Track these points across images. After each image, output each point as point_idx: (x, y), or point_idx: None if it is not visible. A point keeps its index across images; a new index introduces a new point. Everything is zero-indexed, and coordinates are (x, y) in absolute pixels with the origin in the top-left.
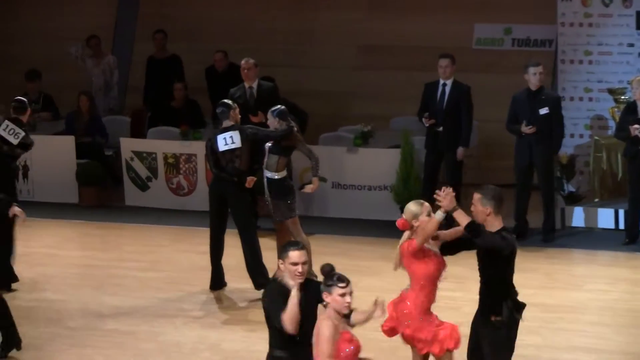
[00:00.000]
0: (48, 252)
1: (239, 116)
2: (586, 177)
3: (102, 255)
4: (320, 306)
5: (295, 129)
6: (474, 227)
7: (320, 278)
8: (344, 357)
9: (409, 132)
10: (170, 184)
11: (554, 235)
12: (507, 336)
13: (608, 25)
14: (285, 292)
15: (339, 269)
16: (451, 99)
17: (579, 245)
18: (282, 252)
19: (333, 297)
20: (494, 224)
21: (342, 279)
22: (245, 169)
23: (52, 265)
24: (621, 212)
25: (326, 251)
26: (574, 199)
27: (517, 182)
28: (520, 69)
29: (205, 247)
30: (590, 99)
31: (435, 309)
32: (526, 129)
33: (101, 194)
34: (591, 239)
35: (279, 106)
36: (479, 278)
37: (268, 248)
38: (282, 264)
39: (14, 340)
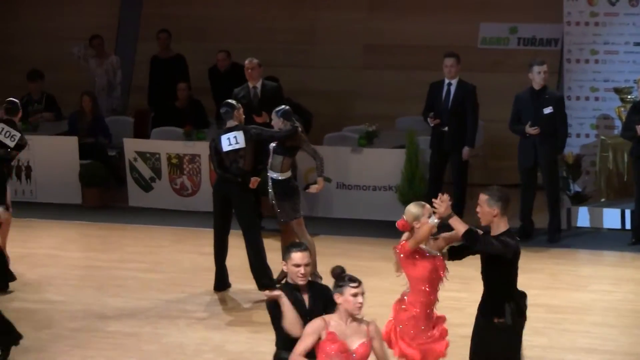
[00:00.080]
0: (50, 253)
1: (243, 116)
2: (592, 177)
3: (104, 257)
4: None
5: (300, 129)
6: (471, 236)
7: (325, 279)
8: (327, 354)
9: (414, 132)
10: (174, 184)
11: (560, 236)
12: (511, 338)
13: (614, 24)
14: (291, 291)
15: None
16: (456, 98)
17: (584, 245)
18: (285, 254)
19: (345, 298)
20: (499, 226)
21: (354, 279)
22: (249, 170)
23: (54, 266)
24: (627, 212)
25: (331, 252)
26: (580, 199)
27: (521, 182)
28: (526, 69)
29: (209, 248)
30: (597, 99)
31: (440, 309)
32: (531, 129)
33: (104, 194)
34: (597, 239)
35: (283, 106)
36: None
37: (272, 249)
38: (285, 265)
39: (12, 338)
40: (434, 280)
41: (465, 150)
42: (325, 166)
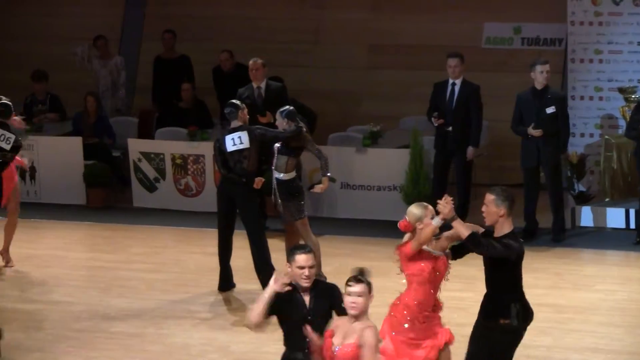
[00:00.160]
0: (55, 254)
1: (248, 116)
2: (597, 176)
3: (109, 257)
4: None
5: (304, 129)
6: (475, 239)
7: (330, 279)
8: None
9: (419, 132)
10: (178, 185)
11: (565, 235)
12: (515, 340)
13: (618, 24)
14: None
15: (347, 270)
16: (460, 98)
17: (589, 245)
18: (289, 256)
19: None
20: (504, 226)
21: (352, 279)
22: (254, 170)
23: (58, 267)
24: (632, 212)
25: (335, 252)
26: (584, 199)
27: (524, 182)
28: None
29: (214, 249)
30: (601, 98)
31: (443, 309)
32: (533, 132)
33: (109, 195)
34: (601, 238)
35: (287, 107)
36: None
37: (277, 249)
38: (289, 267)
39: None
40: (434, 280)
41: (470, 150)
42: (330, 166)
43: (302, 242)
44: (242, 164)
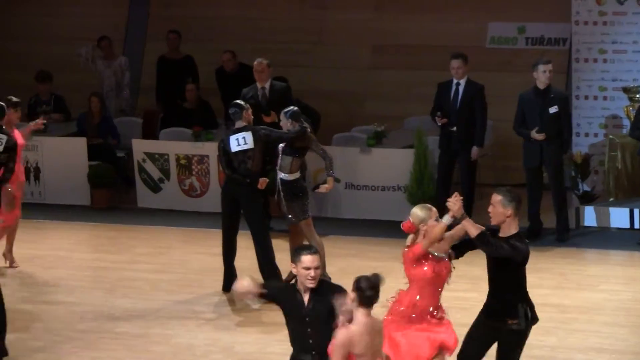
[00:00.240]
0: (59, 255)
1: (252, 117)
2: (601, 176)
3: (113, 258)
4: None
5: (309, 129)
6: (484, 238)
7: (334, 279)
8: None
9: (423, 132)
10: (183, 185)
11: (569, 235)
12: (517, 342)
13: (623, 24)
14: (292, 291)
15: (352, 270)
16: (465, 98)
17: (593, 245)
18: (294, 256)
19: None
20: (511, 227)
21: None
22: (258, 170)
23: (63, 268)
24: (636, 212)
25: (340, 252)
26: (588, 199)
27: (527, 182)
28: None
29: (218, 249)
30: (605, 98)
31: (447, 309)
32: (537, 135)
33: (113, 195)
34: (606, 238)
35: (291, 107)
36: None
37: (281, 249)
38: (294, 267)
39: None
40: (436, 283)
41: (474, 150)
42: (334, 166)
43: (306, 242)
44: (246, 164)
